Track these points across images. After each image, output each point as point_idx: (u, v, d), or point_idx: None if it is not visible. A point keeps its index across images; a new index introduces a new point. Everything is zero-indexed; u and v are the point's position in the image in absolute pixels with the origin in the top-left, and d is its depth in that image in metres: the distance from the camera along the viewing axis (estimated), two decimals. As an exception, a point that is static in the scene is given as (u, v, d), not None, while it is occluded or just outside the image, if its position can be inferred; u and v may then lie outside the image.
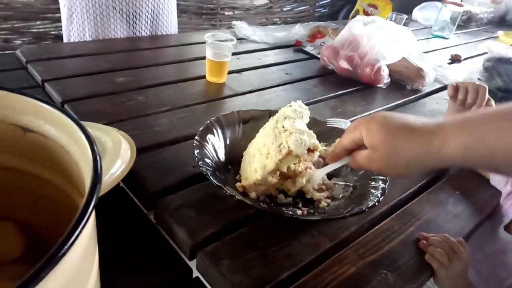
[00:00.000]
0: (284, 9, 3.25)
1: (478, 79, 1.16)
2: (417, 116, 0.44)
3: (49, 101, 0.31)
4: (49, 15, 1.99)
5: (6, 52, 1.87)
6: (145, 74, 0.87)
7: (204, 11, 2.62)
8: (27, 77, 0.78)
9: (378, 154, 0.43)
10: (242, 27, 1.23)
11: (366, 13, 1.28)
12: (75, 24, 1.00)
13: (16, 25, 1.93)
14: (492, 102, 0.72)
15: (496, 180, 0.69)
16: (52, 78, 0.77)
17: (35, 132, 0.33)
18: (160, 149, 0.62)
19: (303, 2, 3.34)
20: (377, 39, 1.02)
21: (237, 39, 1.19)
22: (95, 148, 0.27)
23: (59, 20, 2.00)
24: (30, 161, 0.34)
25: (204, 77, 0.89)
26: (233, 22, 1.26)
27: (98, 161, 0.26)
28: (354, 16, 1.34)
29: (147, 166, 0.56)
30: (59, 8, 1.04)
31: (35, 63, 0.81)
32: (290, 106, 0.59)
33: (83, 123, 0.30)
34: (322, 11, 3.64)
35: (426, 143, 0.39)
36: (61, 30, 1.07)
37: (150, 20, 1.10)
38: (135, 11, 1.04)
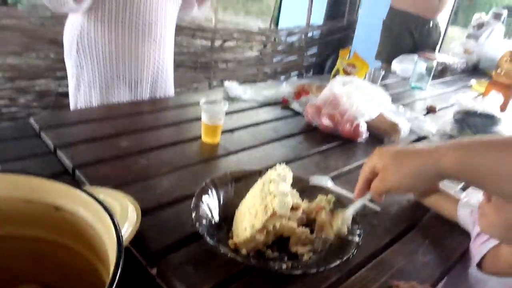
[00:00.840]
0: (274, 60, 3.45)
1: (451, 129, 1.27)
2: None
3: (78, 186, 0.40)
4: (52, 73, 2.13)
5: (17, 116, 1.98)
6: (147, 137, 0.97)
7: (198, 65, 2.79)
8: (40, 144, 0.87)
9: (389, 171, 0.53)
10: (234, 87, 1.35)
11: (345, 72, 1.41)
12: (82, 92, 1.11)
13: (21, 84, 2.05)
14: None
15: (464, 221, 0.76)
16: (63, 144, 0.86)
17: (65, 211, 0.41)
18: (162, 210, 0.69)
19: (291, 53, 3.55)
20: (355, 98, 1.14)
21: (229, 98, 1.31)
22: (118, 227, 0.35)
23: (61, 78, 2.14)
24: (59, 234, 0.42)
25: (200, 137, 0.99)
26: (225, 83, 1.38)
27: (121, 239, 0.34)
28: (335, 74, 1.48)
29: (150, 227, 0.64)
30: (62, 67, 1.15)
31: (48, 131, 0.90)
32: (275, 169, 0.68)
33: (93, 188, 0.38)
34: (310, 60, 3.86)
35: (426, 158, 0.51)
36: (64, 87, 1.18)
37: (150, 84, 1.22)
38: (137, 77, 1.16)
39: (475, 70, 2.34)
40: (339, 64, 1.43)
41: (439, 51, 2.63)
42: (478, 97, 1.37)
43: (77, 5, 0.98)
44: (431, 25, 2.40)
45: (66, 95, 2.14)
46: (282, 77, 3.54)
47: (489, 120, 1.20)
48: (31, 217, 0.40)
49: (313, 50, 3.83)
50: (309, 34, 3.65)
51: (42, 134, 0.90)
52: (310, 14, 3.68)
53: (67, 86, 1.18)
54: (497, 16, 2.53)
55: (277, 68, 3.51)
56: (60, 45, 1.15)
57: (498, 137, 0.50)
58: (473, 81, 2.01)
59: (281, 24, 4.38)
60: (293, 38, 3.52)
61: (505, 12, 2.52)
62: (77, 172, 0.77)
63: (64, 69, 1.18)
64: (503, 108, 1.31)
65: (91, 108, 1.10)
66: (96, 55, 1.06)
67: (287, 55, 3.52)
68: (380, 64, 2.43)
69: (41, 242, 0.42)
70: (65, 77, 2.19)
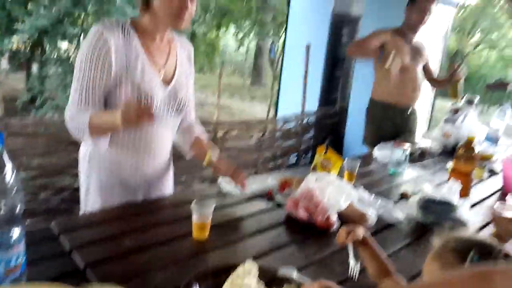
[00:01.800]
0: (274, 145, 3.73)
1: (417, 215, 1.42)
2: None
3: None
4: (69, 170, 2.39)
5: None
6: (147, 235, 1.15)
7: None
8: (59, 247, 1.06)
9: None
10: (225, 183, 1.56)
11: (322, 166, 1.62)
12: (91, 198, 1.32)
13: (42, 182, 2.31)
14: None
15: None
16: (77, 246, 1.04)
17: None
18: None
19: (289, 138, 3.84)
20: (327, 192, 1.33)
21: (222, 194, 1.51)
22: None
23: (76, 174, 2.40)
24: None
25: (191, 234, 1.16)
26: (219, 178, 1.59)
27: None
28: (314, 168, 1.69)
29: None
30: (77, 165, 1.38)
31: (65, 234, 1.09)
32: (243, 265, 0.84)
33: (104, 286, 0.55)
34: (307, 143, 4.14)
35: None
36: (78, 183, 1.40)
37: (148, 187, 1.41)
38: (137, 184, 1.37)
39: (453, 152, 2.54)
40: (316, 159, 1.65)
41: (422, 135, 2.87)
42: (440, 184, 1.54)
43: (92, 140, 1.26)
44: (408, 112, 2.68)
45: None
46: (280, 161, 3.78)
47: (447, 207, 1.36)
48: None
49: (310, 133, 4.13)
50: (305, 120, 3.98)
51: (61, 237, 1.09)
52: (305, 101, 4.05)
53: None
54: (469, 102, 2.81)
55: (276, 152, 3.77)
56: (77, 146, 1.40)
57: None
58: (449, 164, 2.19)
59: (280, 108, 4.77)
60: (290, 125, 3.83)
61: (476, 98, 2.80)
62: (88, 271, 0.94)
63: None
64: (463, 194, 1.47)
65: (99, 212, 1.30)
66: (104, 168, 1.29)
67: (285, 141, 3.81)
68: (366, 149, 2.67)
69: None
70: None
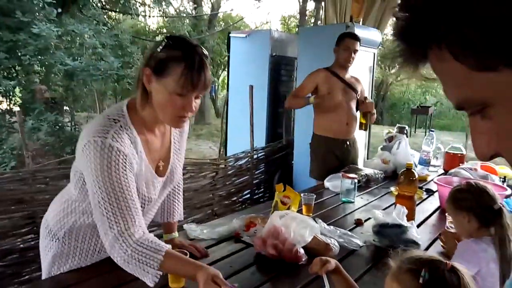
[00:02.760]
0: (227, 183, 3.77)
1: (374, 240, 1.55)
2: None
3: None
4: (17, 231, 2.23)
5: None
6: (121, 292, 1.13)
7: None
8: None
9: None
10: (192, 229, 1.58)
11: (282, 203, 1.71)
12: (57, 265, 1.25)
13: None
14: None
15: None
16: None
17: None
18: None
19: (241, 175, 3.92)
20: (292, 227, 1.41)
21: (190, 239, 1.52)
22: None
23: (25, 234, 2.24)
24: None
25: (167, 283, 1.16)
26: (184, 226, 1.61)
27: None
28: (275, 205, 1.77)
29: None
30: (25, 224, 1.28)
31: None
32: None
33: None
34: (259, 178, 4.25)
35: None
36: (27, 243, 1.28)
37: None
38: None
39: (394, 177, 2.79)
40: (276, 197, 1.74)
41: (364, 163, 3.11)
42: (388, 208, 1.70)
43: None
44: (348, 143, 2.89)
45: (28, 249, 2.22)
46: (235, 198, 3.83)
47: (399, 230, 1.51)
48: None
49: (261, 168, 4.25)
50: (255, 156, 4.10)
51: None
52: (253, 138, 4.19)
53: (29, 240, 1.32)
54: (401, 130, 3.13)
55: (230, 190, 3.81)
56: (21, 206, 1.32)
57: None
58: (392, 188, 2.41)
59: (230, 146, 4.87)
60: (241, 162, 3.92)
61: (407, 128, 3.13)
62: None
63: (27, 226, 1.32)
64: (410, 217, 1.63)
65: (65, 275, 1.25)
66: (82, 238, 1.24)
67: (238, 178, 3.87)
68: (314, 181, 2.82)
69: None
70: (27, 233, 2.29)
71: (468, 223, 1.23)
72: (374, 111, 2.80)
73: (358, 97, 2.87)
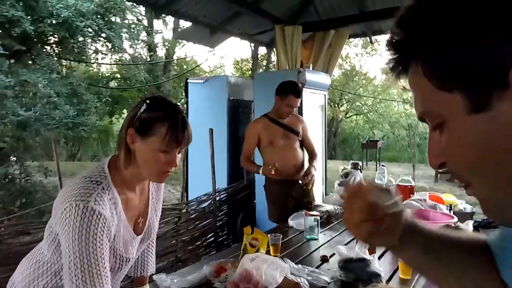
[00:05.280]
0: (190, 227, 3.72)
1: (340, 275, 1.63)
2: None
3: None
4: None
5: None
6: None
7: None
8: None
9: None
10: (162, 280, 1.56)
11: (251, 245, 1.76)
12: None
13: None
14: None
15: None
16: None
17: None
18: None
19: (205, 218, 3.89)
20: (263, 270, 1.45)
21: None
22: None
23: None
24: None
25: None
26: (154, 276, 1.59)
27: None
28: (244, 248, 1.81)
29: None
30: None
31: None
32: None
33: None
34: (224, 219, 4.24)
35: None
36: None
37: None
38: None
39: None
40: (245, 240, 1.78)
41: (322, 200, 3.23)
42: (350, 243, 1.80)
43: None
44: (301, 182, 2.85)
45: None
46: (199, 242, 3.78)
47: (363, 263, 1.60)
48: None
49: (224, 209, 4.26)
50: (217, 198, 4.11)
51: None
52: (215, 181, 4.21)
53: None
54: (355, 166, 3.32)
55: (194, 234, 3.76)
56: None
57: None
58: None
59: (191, 189, 4.83)
60: (204, 204, 3.91)
61: (360, 163, 3.33)
62: None
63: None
64: (371, 251, 1.73)
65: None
66: None
67: (201, 221, 3.84)
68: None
69: None
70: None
71: None
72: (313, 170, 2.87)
73: (304, 138, 2.99)
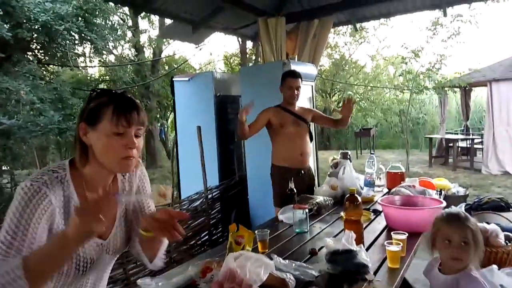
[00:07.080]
0: (184, 227, 3.68)
1: (328, 268, 1.60)
2: None
3: None
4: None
5: None
6: None
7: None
8: None
9: None
10: (146, 284, 1.53)
11: (237, 242, 1.72)
12: None
13: None
14: None
15: None
16: None
17: None
18: None
19: (198, 217, 3.86)
20: (247, 268, 1.42)
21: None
22: None
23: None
24: None
25: None
26: (138, 281, 1.55)
27: None
28: (230, 247, 1.77)
29: None
30: None
31: None
32: None
33: None
34: (217, 216, 4.21)
35: None
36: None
37: None
38: None
39: (343, 202, 2.90)
40: (230, 238, 1.74)
41: (315, 191, 3.21)
42: (339, 235, 1.77)
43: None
44: (303, 172, 3.06)
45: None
46: (193, 241, 3.75)
47: (350, 255, 1.57)
48: None
49: (217, 207, 4.22)
50: (210, 196, 4.07)
51: None
52: (206, 178, 4.18)
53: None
54: (344, 156, 3.30)
55: (188, 233, 3.73)
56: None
57: None
58: (342, 213, 2.50)
59: (183, 187, 4.80)
60: (196, 203, 3.87)
61: (350, 153, 3.31)
62: None
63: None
64: (358, 241, 1.70)
65: None
66: None
67: (194, 220, 3.81)
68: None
69: None
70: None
71: None
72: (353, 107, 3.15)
73: (317, 116, 3.28)
